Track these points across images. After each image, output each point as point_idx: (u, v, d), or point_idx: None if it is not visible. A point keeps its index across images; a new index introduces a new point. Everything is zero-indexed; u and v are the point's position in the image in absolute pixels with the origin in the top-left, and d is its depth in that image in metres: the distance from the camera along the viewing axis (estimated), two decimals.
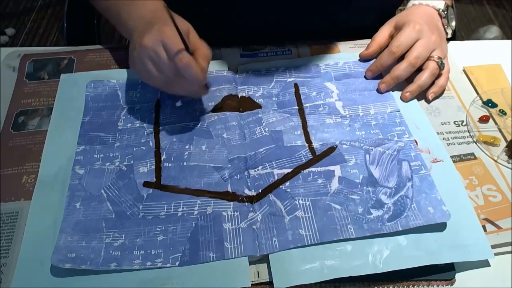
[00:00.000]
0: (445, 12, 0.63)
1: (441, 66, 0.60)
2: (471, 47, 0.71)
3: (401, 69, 0.59)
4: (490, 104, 0.60)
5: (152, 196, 0.50)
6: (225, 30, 0.69)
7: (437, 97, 0.62)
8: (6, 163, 0.53)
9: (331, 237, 0.46)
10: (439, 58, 0.60)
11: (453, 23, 0.65)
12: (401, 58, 0.60)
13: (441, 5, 0.63)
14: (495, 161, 0.55)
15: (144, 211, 0.48)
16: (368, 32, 0.67)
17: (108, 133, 0.56)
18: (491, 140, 0.57)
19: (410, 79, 0.60)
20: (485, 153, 0.56)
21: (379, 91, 0.61)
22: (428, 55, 0.60)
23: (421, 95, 0.61)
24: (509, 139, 0.56)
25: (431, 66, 0.59)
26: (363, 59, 0.65)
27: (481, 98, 0.61)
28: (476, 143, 0.57)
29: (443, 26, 0.64)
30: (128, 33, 0.57)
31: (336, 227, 0.46)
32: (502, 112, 0.59)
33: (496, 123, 0.59)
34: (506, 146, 0.55)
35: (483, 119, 0.59)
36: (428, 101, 0.61)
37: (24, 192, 0.51)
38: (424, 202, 0.48)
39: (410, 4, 0.65)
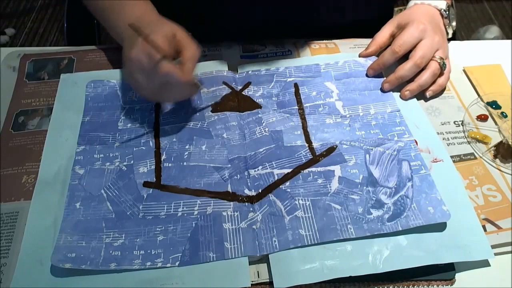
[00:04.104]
0: (447, 12, 0.64)
1: (442, 67, 0.60)
2: (471, 47, 0.71)
3: (406, 69, 0.59)
4: (494, 106, 0.60)
5: (152, 196, 0.50)
6: (225, 26, 0.69)
7: (435, 96, 0.62)
8: (6, 163, 0.53)
9: (331, 237, 0.46)
10: (441, 58, 0.60)
11: (454, 23, 0.65)
12: (403, 57, 0.60)
13: (442, 5, 0.64)
14: (480, 157, 0.55)
15: (144, 211, 0.48)
16: (366, 28, 0.67)
17: (108, 133, 0.56)
18: (481, 137, 0.57)
19: (410, 78, 0.60)
20: (474, 149, 0.56)
21: (382, 89, 0.61)
22: (432, 55, 0.60)
23: (421, 95, 0.61)
24: (510, 140, 0.56)
25: (433, 66, 0.59)
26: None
27: (481, 99, 0.61)
28: (466, 138, 0.57)
29: (445, 26, 0.64)
30: (120, 40, 0.57)
31: (336, 227, 0.46)
32: (503, 115, 0.59)
33: (496, 124, 0.59)
34: (494, 146, 0.56)
35: (482, 118, 0.59)
36: (426, 99, 0.61)
37: (24, 192, 0.51)
38: (424, 202, 0.48)
39: (411, 3, 0.65)
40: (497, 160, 0.55)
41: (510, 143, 0.54)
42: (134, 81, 0.52)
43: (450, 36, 0.66)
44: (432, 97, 0.62)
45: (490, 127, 0.59)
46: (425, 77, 0.59)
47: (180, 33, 0.53)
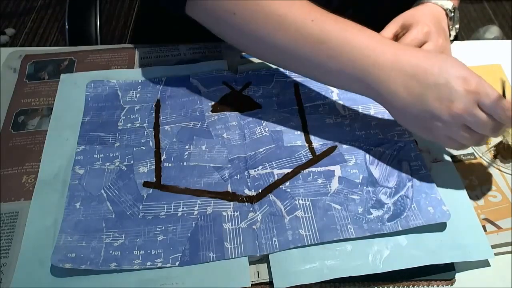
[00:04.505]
0: (452, 13, 0.63)
1: None
2: (471, 47, 0.71)
3: None
4: None
5: (152, 196, 0.50)
6: None
7: None
8: (6, 163, 0.53)
9: (331, 237, 0.46)
10: None
11: (457, 26, 0.65)
12: None
13: (449, 5, 0.63)
14: (480, 157, 0.55)
15: (144, 211, 0.48)
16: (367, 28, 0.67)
17: (108, 133, 0.56)
18: None
19: None
20: (474, 149, 0.56)
21: None
22: None
23: None
24: (509, 140, 0.56)
25: None
26: None
27: None
28: None
29: (448, 27, 0.64)
30: (370, 90, 0.46)
31: (336, 227, 0.46)
32: None
33: None
34: (494, 146, 0.56)
35: None
36: None
37: (24, 192, 0.51)
38: (424, 202, 0.48)
39: (417, 2, 0.65)
40: (497, 160, 0.55)
41: (510, 143, 0.54)
42: (455, 135, 0.44)
43: (452, 38, 0.66)
44: None
45: None
46: None
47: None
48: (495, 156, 0.55)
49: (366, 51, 0.44)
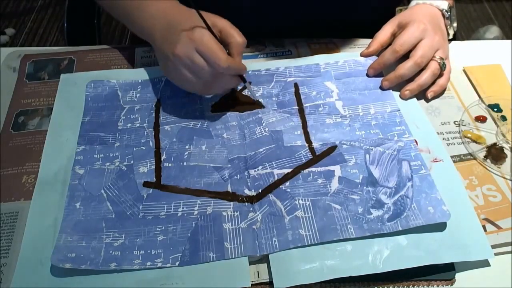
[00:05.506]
0: (449, 13, 0.64)
1: (442, 67, 0.60)
2: (471, 47, 0.71)
3: (406, 68, 0.59)
4: (496, 109, 0.60)
5: (152, 196, 0.50)
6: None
7: (436, 96, 0.62)
8: (6, 163, 0.53)
9: (331, 237, 0.46)
10: (441, 58, 0.60)
11: (455, 24, 0.65)
12: (403, 56, 0.61)
13: (444, 5, 0.64)
14: (470, 154, 0.55)
15: (144, 211, 0.48)
16: (366, 29, 0.67)
17: (108, 133, 0.56)
18: (475, 137, 0.57)
19: (410, 77, 0.60)
20: (466, 148, 0.56)
21: (381, 87, 0.61)
22: (432, 55, 0.60)
23: (421, 95, 0.61)
24: (506, 143, 0.56)
25: (433, 66, 0.59)
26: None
27: (483, 101, 0.61)
28: (461, 138, 0.57)
29: (446, 27, 0.64)
30: (147, 35, 0.56)
31: (336, 227, 0.46)
32: (503, 118, 0.59)
33: (497, 126, 0.59)
34: (486, 146, 0.56)
35: (480, 119, 0.59)
36: (427, 100, 0.61)
37: (24, 192, 0.51)
38: (424, 202, 0.48)
39: (413, 3, 0.65)
40: (488, 161, 0.55)
41: (503, 145, 0.54)
42: (180, 77, 0.52)
43: (451, 37, 0.66)
44: (432, 97, 0.62)
45: (487, 129, 0.59)
46: (425, 77, 0.59)
47: (222, 21, 0.52)
48: (485, 157, 0.55)
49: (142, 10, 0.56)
